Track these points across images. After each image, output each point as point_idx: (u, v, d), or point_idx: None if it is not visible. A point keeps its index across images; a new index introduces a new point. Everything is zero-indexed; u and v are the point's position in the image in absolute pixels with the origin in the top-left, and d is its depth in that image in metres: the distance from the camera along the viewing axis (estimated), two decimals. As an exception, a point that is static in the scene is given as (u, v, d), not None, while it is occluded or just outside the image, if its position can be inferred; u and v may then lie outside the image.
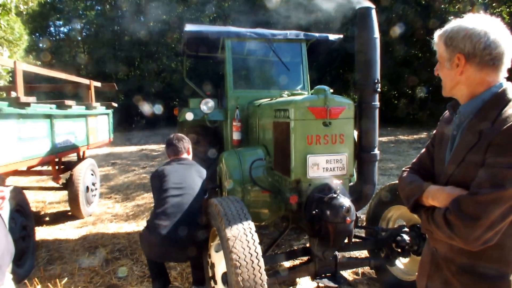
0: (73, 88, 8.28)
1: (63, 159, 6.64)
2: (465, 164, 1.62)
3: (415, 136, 17.28)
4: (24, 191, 4.94)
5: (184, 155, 4.26)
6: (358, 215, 3.24)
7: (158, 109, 23.69)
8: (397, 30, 18.10)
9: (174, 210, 3.70)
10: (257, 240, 2.90)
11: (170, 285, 4.14)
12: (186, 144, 4.31)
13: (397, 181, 2.14)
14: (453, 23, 1.67)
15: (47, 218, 7.06)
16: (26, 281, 4.33)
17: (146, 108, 24.08)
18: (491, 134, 1.52)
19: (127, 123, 27.65)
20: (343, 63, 23.17)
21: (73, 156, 7.38)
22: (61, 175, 6.44)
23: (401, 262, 3.95)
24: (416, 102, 23.17)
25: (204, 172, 4.16)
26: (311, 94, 3.69)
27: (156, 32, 28.93)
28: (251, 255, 2.80)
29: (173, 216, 3.67)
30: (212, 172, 5.02)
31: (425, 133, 17.75)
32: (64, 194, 7.72)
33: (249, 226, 2.97)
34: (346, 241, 3.15)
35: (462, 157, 1.63)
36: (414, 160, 2.07)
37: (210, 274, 3.39)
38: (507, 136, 1.47)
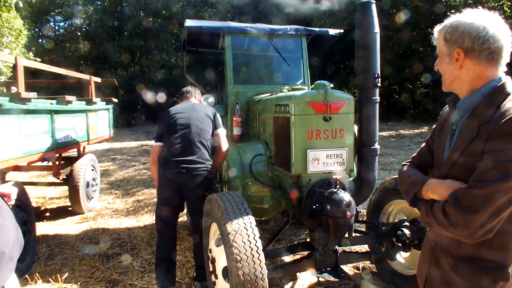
0: (75, 82, 8.26)
1: (64, 155, 6.65)
2: (464, 157, 1.63)
3: (416, 131, 17.28)
4: (25, 186, 4.95)
5: (193, 99, 4.43)
6: (358, 210, 3.25)
7: (162, 97, 23.75)
8: (402, 17, 18.09)
9: (183, 147, 3.92)
10: (258, 235, 2.91)
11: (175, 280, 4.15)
12: (198, 94, 4.54)
13: (397, 176, 2.15)
14: (453, 18, 1.68)
15: (47, 214, 7.07)
16: (27, 276, 4.35)
17: (149, 96, 24.12)
18: (490, 128, 1.53)
19: (127, 118, 27.67)
20: (344, 57, 23.16)
21: (73, 152, 7.38)
22: (61, 171, 6.45)
23: (401, 256, 3.96)
24: (417, 96, 23.17)
25: (211, 110, 4.27)
26: (311, 89, 3.69)
27: (156, 27, 28.92)
28: (252, 249, 2.81)
29: (183, 150, 3.91)
30: None
31: (426, 128, 17.75)
32: (64, 189, 7.74)
33: (249, 220, 2.98)
34: (346, 235, 3.15)
35: (462, 150, 1.64)
36: (414, 155, 2.08)
37: (211, 269, 3.40)
38: (506, 129, 1.48)
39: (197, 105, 4.29)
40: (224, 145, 4.16)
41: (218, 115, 4.24)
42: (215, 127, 4.17)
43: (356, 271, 4.42)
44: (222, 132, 4.19)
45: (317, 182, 3.38)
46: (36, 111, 4.95)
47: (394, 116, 22.35)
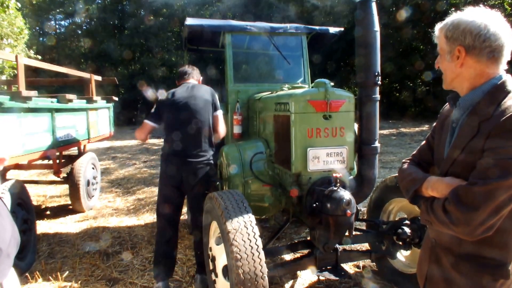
0: (76, 81, 8.26)
1: (64, 153, 6.65)
2: (464, 155, 1.63)
3: (416, 129, 17.28)
4: (25, 184, 4.95)
5: (191, 80, 4.35)
6: (358, 208, 3.24)
7: (162, 94, 23.76)
8: (403, 14, 18.07)
9: (184, 142, 3.91)
10: (258, 233, 2.90)
11: (173, 272, 4.15)
12: (197, 74, 4.45)
13: (397, 173, 2.15)
14: (454, 16, 1.68)
15: (48, 212, 7.08)
16: (27, 274, 4.36)
17: (150, 93, 24.14)
18: (491, 125, 1.53)
19: (128, 116, 27.67)
20: (345, 55, 23.13)
21: (74, 150, 7.38)
22: (62, 169, 6.44)
23: (402, 255, 3.96)
24: (418, 94, 23.16)
25: (210, 93, 4.19)
26: (312, 87, 3.68)
27: (157, 25, 28.89)
28: (252, 247, 2.81)
29: (184, 145, 3.91)
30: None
31: (427, 126, 17.74)
32: (65, 188, 7.74)
33: (249, 219, 2.97)
34: (346, 234, 3.15)
35: (462, 147, 1.64)
36: (414, 152, 2.08)
37: (211, 267, 3.40)
38: (506, 127, 1.48)
39: (195, 88, 4.17)
40: (221, 127, 4.18)
41: (216, 96, 4.22)
42: (214, 109, 4.15)
43: (356, 269, 4.42)
44: (219, 113, 4.19)
45: (318, 180, 3.38)
46: (37, 110, 4.95)
47: (394, 114, 22.35)
